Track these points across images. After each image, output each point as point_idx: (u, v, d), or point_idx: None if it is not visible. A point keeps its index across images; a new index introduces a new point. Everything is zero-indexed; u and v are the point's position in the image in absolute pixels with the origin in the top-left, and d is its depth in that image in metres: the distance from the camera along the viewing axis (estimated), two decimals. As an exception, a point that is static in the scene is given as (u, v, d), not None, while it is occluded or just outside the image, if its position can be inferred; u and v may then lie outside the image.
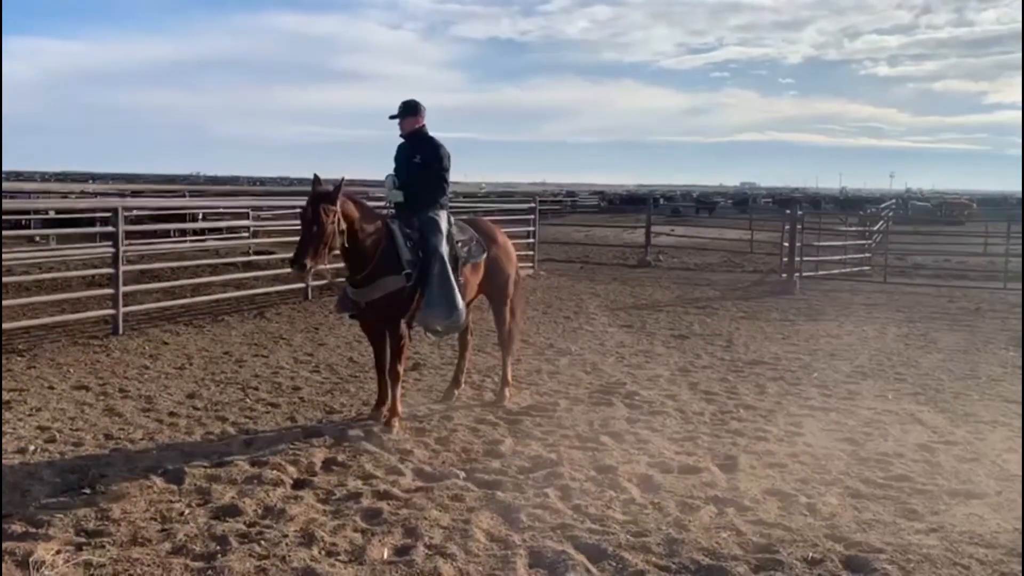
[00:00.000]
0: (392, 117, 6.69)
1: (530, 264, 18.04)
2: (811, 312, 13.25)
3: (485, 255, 6.89)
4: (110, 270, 10.24)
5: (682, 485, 5.28)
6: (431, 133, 6.77)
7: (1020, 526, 4.65)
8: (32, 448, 5.70)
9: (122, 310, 9.95)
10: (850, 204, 60.58)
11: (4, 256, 14.95)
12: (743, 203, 59.69)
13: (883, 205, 41.80)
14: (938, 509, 4.98)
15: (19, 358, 8.44)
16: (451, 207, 6.97)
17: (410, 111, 6.66)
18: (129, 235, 13.35)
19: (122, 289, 9.93)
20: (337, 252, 6.05)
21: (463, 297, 6.51)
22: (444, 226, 6.55)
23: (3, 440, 5.84)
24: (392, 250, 6.23)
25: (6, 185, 36.85)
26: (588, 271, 18.99)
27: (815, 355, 9.69)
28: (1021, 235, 16.92)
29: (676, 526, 4.64)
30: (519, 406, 7.10)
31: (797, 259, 16.45)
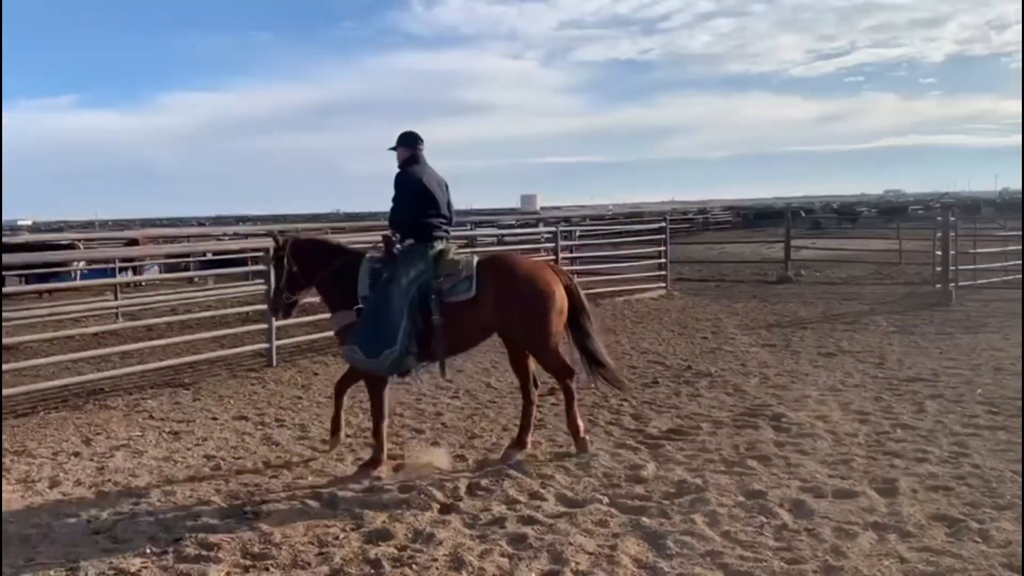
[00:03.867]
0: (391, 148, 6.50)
1: (662, 284, 17.84)
2: (970, 324, 12.41)
3: (473, 293, 6.07)
4: (263, 306, 10.86)
5: (837, 510, 5.04)
6: (428, 162, 6.49)
7: None
8: (200, 476, 6.09)
9: (275, 344, 10.52)
10: (1010, 207, 56.39)
11: (170, 297, 16.15)
12: (889, 212, 56.86)
13: (1048, 206, 38.63)
14: None
15: (185, 391, 9.07)
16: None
17: (397, 143, 6.46)
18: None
19: (275, 324, 10.49)
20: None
21: (410, 336, 5.99)
22: (420, 258, 6.14)
23: (175, 468, 6.30)
24: (353, 285, 6.19)
25: (168, 231, 39.79)
26: (724, 289, 18.53)
27: (978, 370, 9.05)
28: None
29: (833, 553, 4.43)
30: (659, 430, 6.98)
31: (952, 268, 15.46)
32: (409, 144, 6.42)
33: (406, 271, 6.07)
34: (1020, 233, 21.42)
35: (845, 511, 5.02)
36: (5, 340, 10.57)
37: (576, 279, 6.81)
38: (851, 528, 4.76)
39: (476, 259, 6.33)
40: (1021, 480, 5.46)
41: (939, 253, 16.03)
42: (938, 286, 15.68)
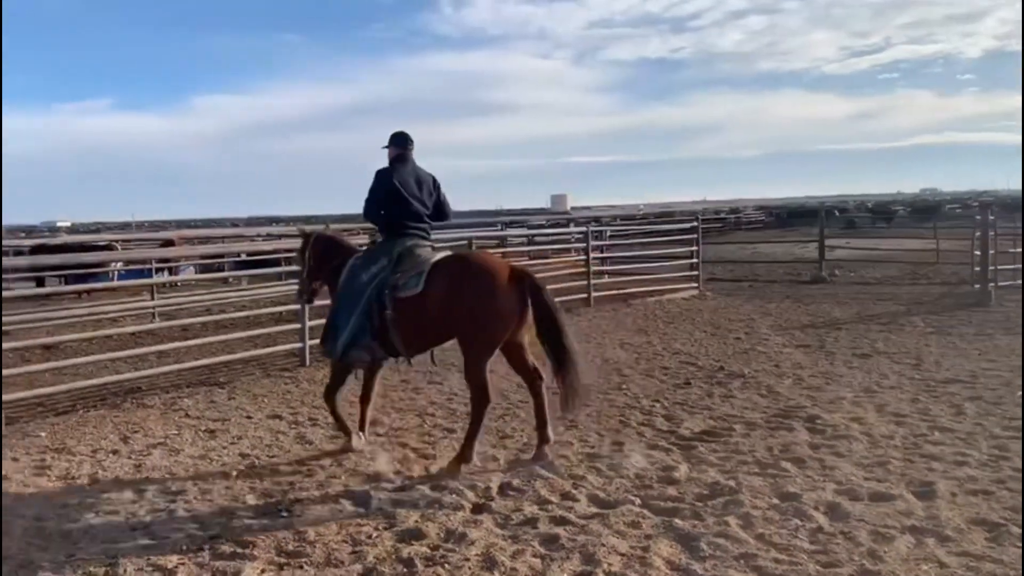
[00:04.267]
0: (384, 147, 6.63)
1: (694, 284, 17.72)
2: (1010, 325, 12.16)
3: (420, 288, 6.00)
4: (296, 306, 10.95)
5: (874, 513, 4.97)
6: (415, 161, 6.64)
7: None
8: (235, 474, 6.17)
9: (308, 343, 10.60)
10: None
11: (205, 297, 16.37)
12: (925, 211, 56.02)
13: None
14: None
15: (220, 390, 9.19)
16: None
17: (389, 142, 6.59)
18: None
19: (308, 324, 10.57)
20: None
21: (362, 328, 6.14)
22: (383, 254, 6.30)
23: (211, 466, 6.38)
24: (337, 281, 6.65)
25: (203, 232, 40.31)
26: (757, 289, 18.34)
27: (1017, 372, 8.86)
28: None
29: (870, 557, 4.37)
30: (692, 431, 6.94)
31: (991, 268, 15.17)
32: (399, 144, 6.59)
33: (368, 267, 6.32)
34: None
35: (882, 514, 4.95)
36: (45, 340, 10.79)
37: (550, 288, 6.32)
38: (888, 532, 4.69)
39: (438, 256, 6.32)
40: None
41: (978, 253, 15.75)
42: (977, 286, 15.41)
